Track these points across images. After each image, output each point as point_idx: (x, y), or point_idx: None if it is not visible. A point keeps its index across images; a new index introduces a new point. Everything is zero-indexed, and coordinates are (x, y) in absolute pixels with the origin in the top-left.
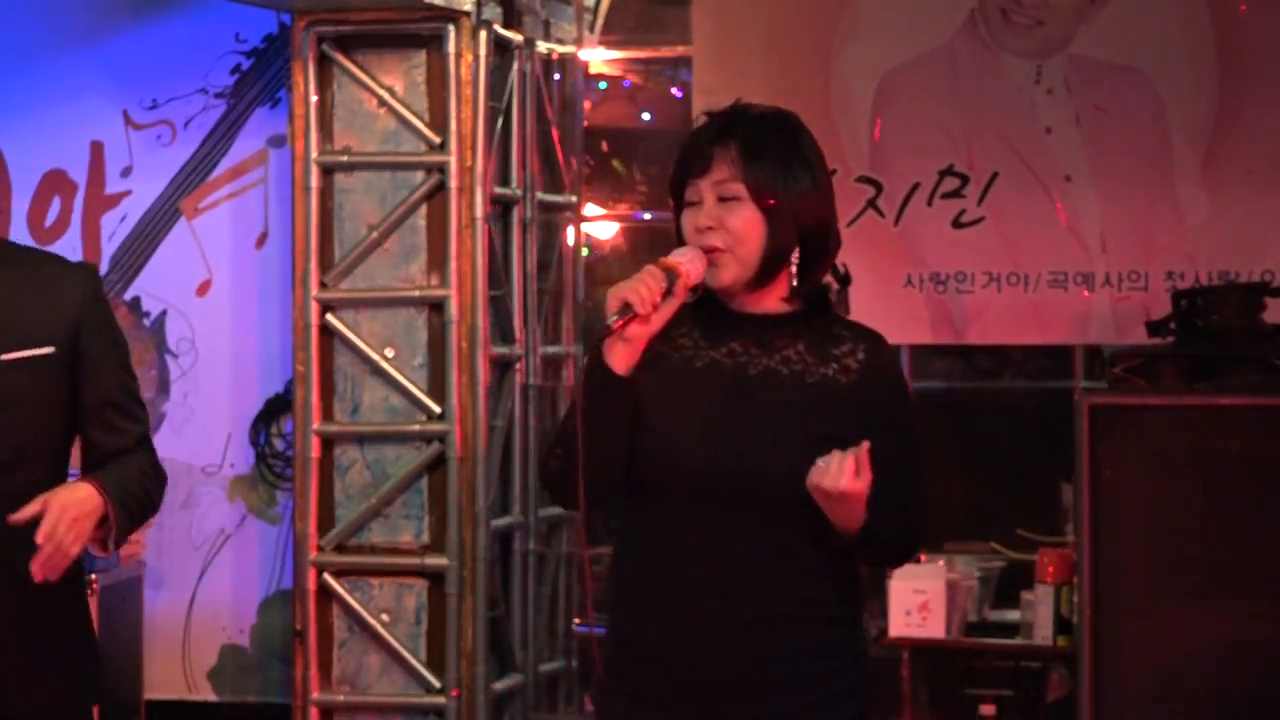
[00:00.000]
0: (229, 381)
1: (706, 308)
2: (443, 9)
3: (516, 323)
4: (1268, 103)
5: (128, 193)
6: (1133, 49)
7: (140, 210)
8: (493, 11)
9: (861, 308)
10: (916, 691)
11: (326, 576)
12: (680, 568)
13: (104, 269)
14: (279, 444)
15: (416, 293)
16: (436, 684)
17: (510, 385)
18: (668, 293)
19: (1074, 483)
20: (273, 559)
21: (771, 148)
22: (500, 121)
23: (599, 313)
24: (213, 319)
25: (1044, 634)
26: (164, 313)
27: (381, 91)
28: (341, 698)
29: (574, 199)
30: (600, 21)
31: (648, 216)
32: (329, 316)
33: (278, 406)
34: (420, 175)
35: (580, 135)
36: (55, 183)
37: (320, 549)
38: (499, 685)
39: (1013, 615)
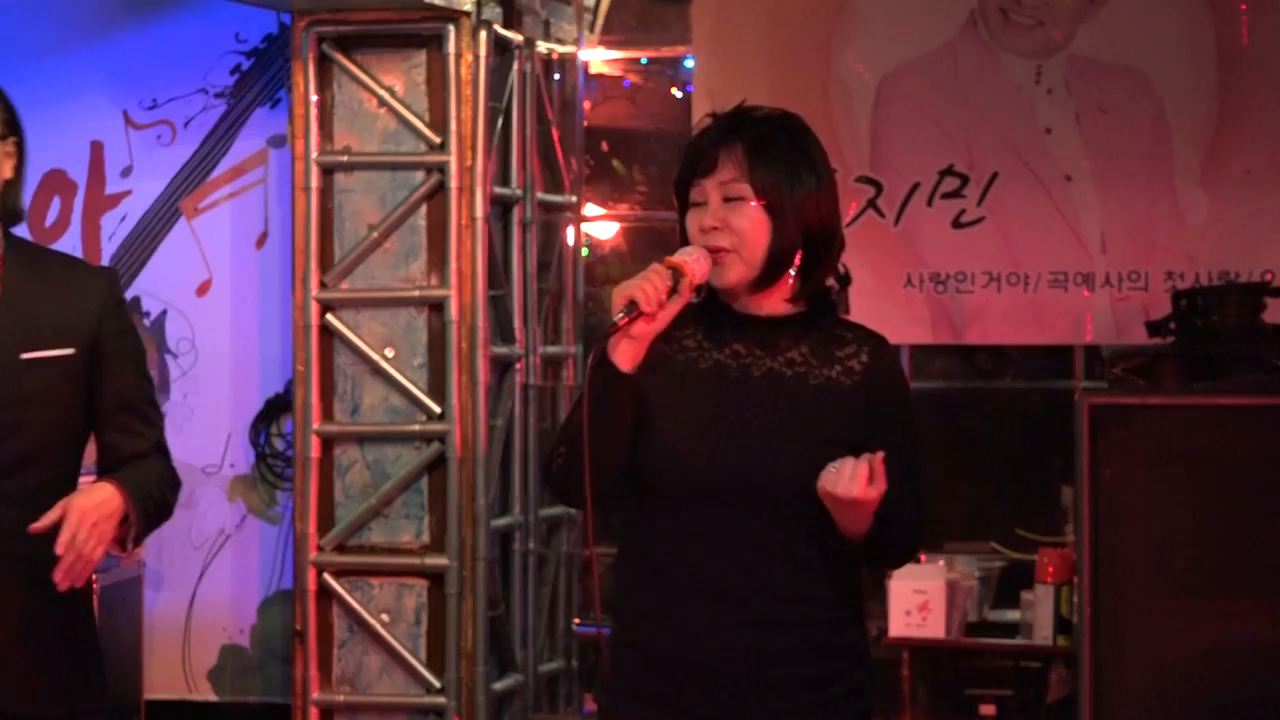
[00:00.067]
0: (229, 381)
1: (710, 309)
2: (443, 9)
3: (516, 323)
4: (1268, 103)
5: (128, 193)
6: (1133, 49)
7: (140, 210)
8: (493, 11)
9: (861, 308)
10: (916, 691)
11: (326, 576)
12: (683, 568)
13: None
14: (279, 444)
15: (416, 293)
16: (436, 684)
17: (510, 385)
18: (673, 291)
19: (1074, 482)
20: (273, 559)
21: (777, 149)
22: (500, 121)
23: (599, 313)
24: (213, 319)
25: (1044, 634)
26: (164, 313)
27: (381, 91)
28: (341, 698)
29: (574, 199)
30: (600, 21)
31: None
32: (329, 316)
33: (278, 406)
34: (420, 175)
35: (580, 135)
36: (55, 183)
37: (320, 549)
38: (499, 685)
39: (1013, 615)
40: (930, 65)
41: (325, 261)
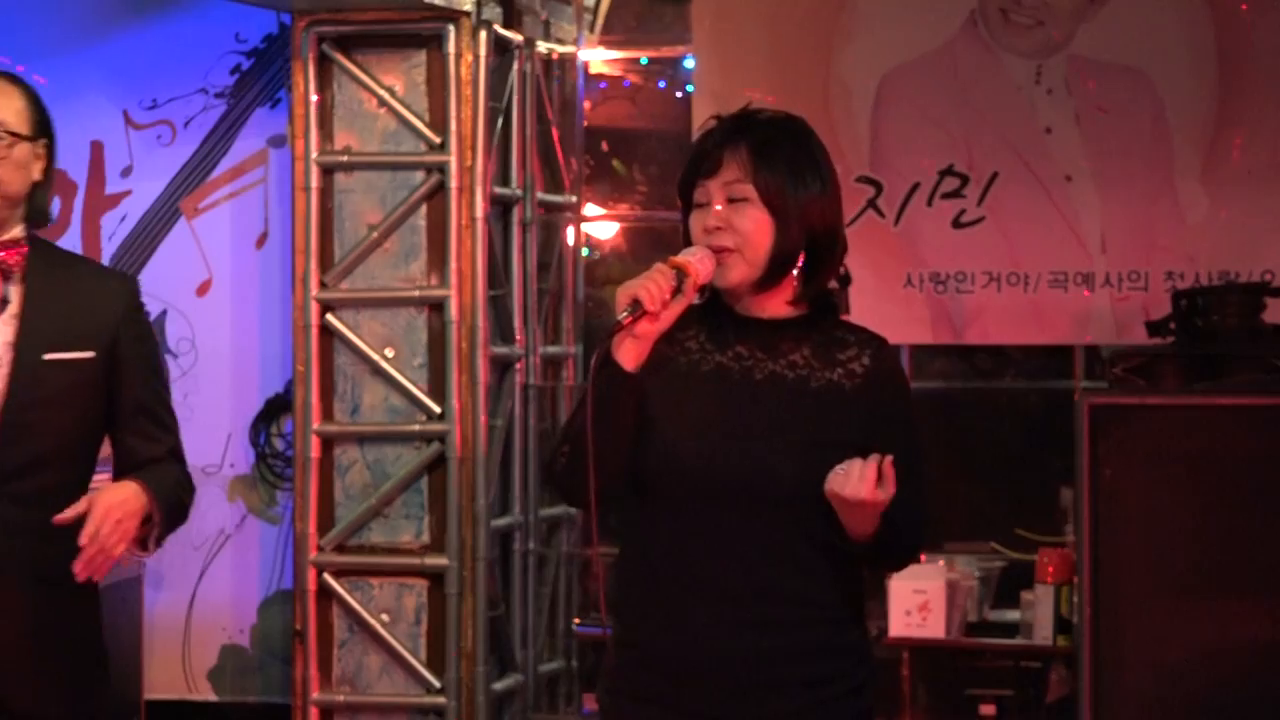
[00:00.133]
0: (229, 381)
1: (713, 311)
2: (443, 9)
3: (516, 323)
4: (1268, 103)
5: (128, 193)
6: (1133, 49)
7: (140, 210)
8: (493, 11)
9: (862, 308)
10: (916, 691)
11: (326, 576)
12: (684, 569)
13: None
14: (279, 444)
15: (416, 293)
16: (436, 684)
17: (510, 385)
18: (677, 291)
19: (1074, 482)
20: (273, 559)
21: (782, 151)
22: (500, 121)
23: (599, 313)
24: (213, 319)
25: (1044, 634)
26: (164, 313)
27: (381, 91)
28: (341, 698)
29: (574, 199)
30: (600, 21)
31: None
32: (329, 316)
33: (278, 406)
34: (420, 175)
35: (580, 135)
36: (55, 182)
37: (320, 549)
38: (499, 685)
39: (1013, 615)
40: (930, 65)
41: (325, 261)
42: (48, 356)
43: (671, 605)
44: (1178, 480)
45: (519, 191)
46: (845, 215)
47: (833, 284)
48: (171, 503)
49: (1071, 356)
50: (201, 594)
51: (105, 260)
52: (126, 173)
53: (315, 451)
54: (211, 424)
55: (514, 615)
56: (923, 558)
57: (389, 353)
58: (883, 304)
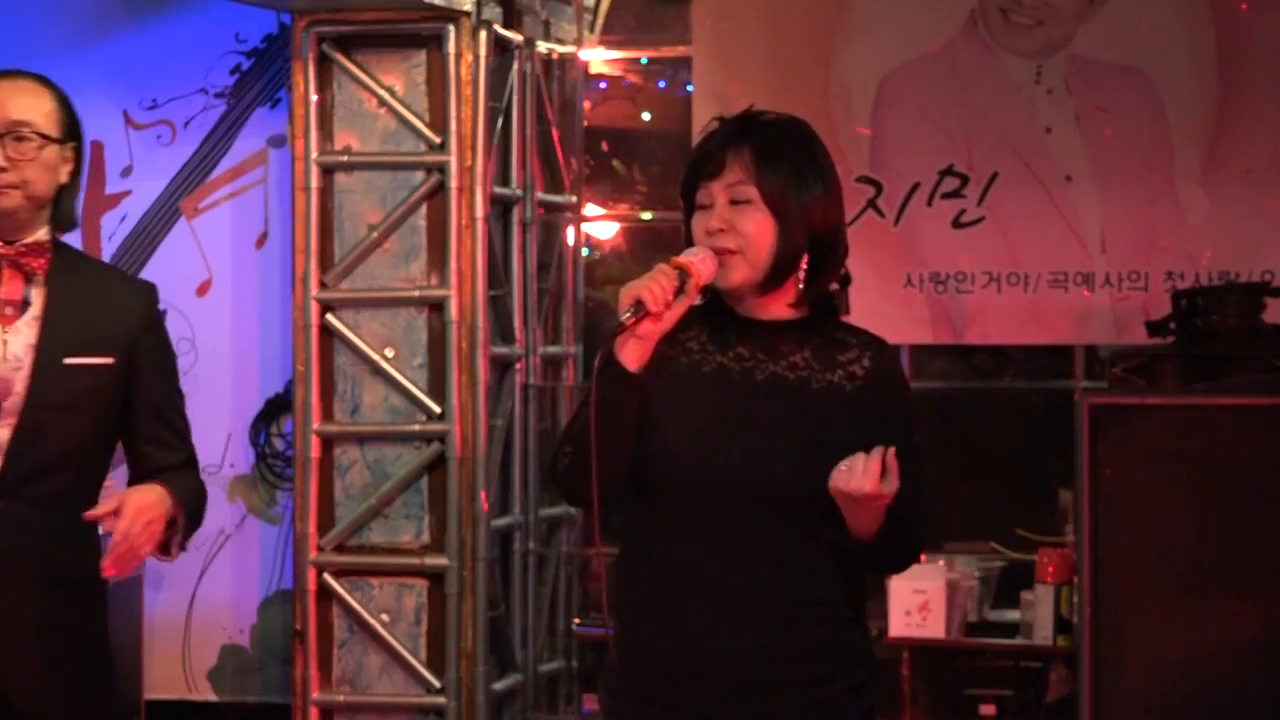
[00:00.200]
0: (229, 381)
1: (714, 312)
2: (443, 9)
3: (516, 323)
4: (1268, 103)
5: (128, 193)
6: (1133, 49)
7: (140, 210)
8: (493, 11)
9: (861, 308)
10: (916, 691)
11: (326, 576)
12: (684, 569)
13: None
14: (279, 444)
15: (416, 293)
16: (436, 684)
17: (510, 385)
18: (679, 291)
19: (1074, 482)
20: (273, 559)
21: (785, 153)
22: (500, 121)
23: (599, 313)
24: (213, 319)
25: (1044, 634)
26: (164, 313)
27: (381, 91)
28: (341, 698)
29: (574, 199)
30: (600, 21)
31: (648, 216)
32: (329, 316)
33: (278, 406)
34: (420, 175)
35: (580, 135)
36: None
37: (320, 549)
38: (499, 685)
39: (1013, 615)
40: (930, 65)
41: (325, 261)
42: (68, 361)
43: (672, 605)
44: (1178, 480)
45: (519, 191)
46: (845, 216)
47: (833, 285)
48: (191, 509)
49: (1071, 356)
50: (201, 594)
51: (105, 260)
52: (126, 173)
53: (315, 451)
54: (211, 424)
55: (514, 615)
56: (923, 558)
57: (389, 353)
58: (883, 304)
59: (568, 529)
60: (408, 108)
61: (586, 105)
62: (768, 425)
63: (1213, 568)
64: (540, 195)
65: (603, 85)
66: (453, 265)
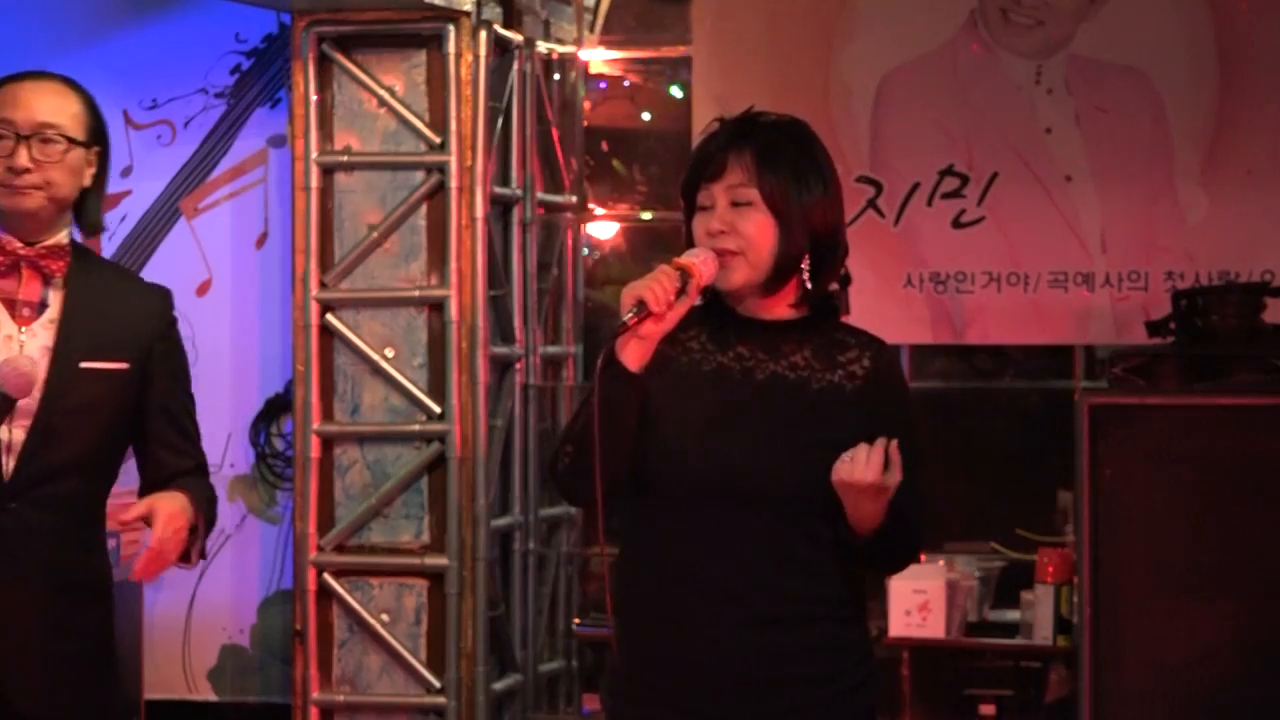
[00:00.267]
0: (229, 381)
1: (715, 312)
2: (443, 9)
3: (516, 323)
4: (1268, 103)
5: (128, 193)
6: (1133, 49)
7: (140, 210)
8: (493, 11)
9: (861, 308)
10: (916, 691)
11: (326, 576)
12: (685, 568)
13: None
14: (279, 444)
15: (416, 293)
16: (436, 684)
17: (510, 385)
18: (681, 292)
19: (1074, 482)
20: (273, 559)
21: (786, 155)
22: (500, 121)
23: (599, 313)
24: (213, 319)
25: (1044, 634)
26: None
27: (381, 91)
28: (341, 698)
29: (574, 199)
30: (600, 21)
31: (648, 216)
32: (329, 316)
33: (278, 406)
34: (420, 175)
35: (580, 135)
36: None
37: (320, 549)
38: (499, 685)
39: (1013, 615)
40: (930, 65)
41: (325, 261)
42: (84, 365)
43: (673, 604)
44: (1178, 480)
45: (519, 191)
46: (845, 215)
47: (833, 285)
48: (209, 516)
49: (1071, 356)
50: (201, 594)
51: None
52: (126, 173)
53: (315, 451)
54: (211, 424)
55: (514, 615)
56: (923, 558)
57: (389, 353)
58: (883, 304)
59: (568, 529)
60: (408, 108)
61: (586, 105)
62: (768, 424)
63: (1213, 567)
64: (540, 195)
65: (603, 85)
66: (453, 265)
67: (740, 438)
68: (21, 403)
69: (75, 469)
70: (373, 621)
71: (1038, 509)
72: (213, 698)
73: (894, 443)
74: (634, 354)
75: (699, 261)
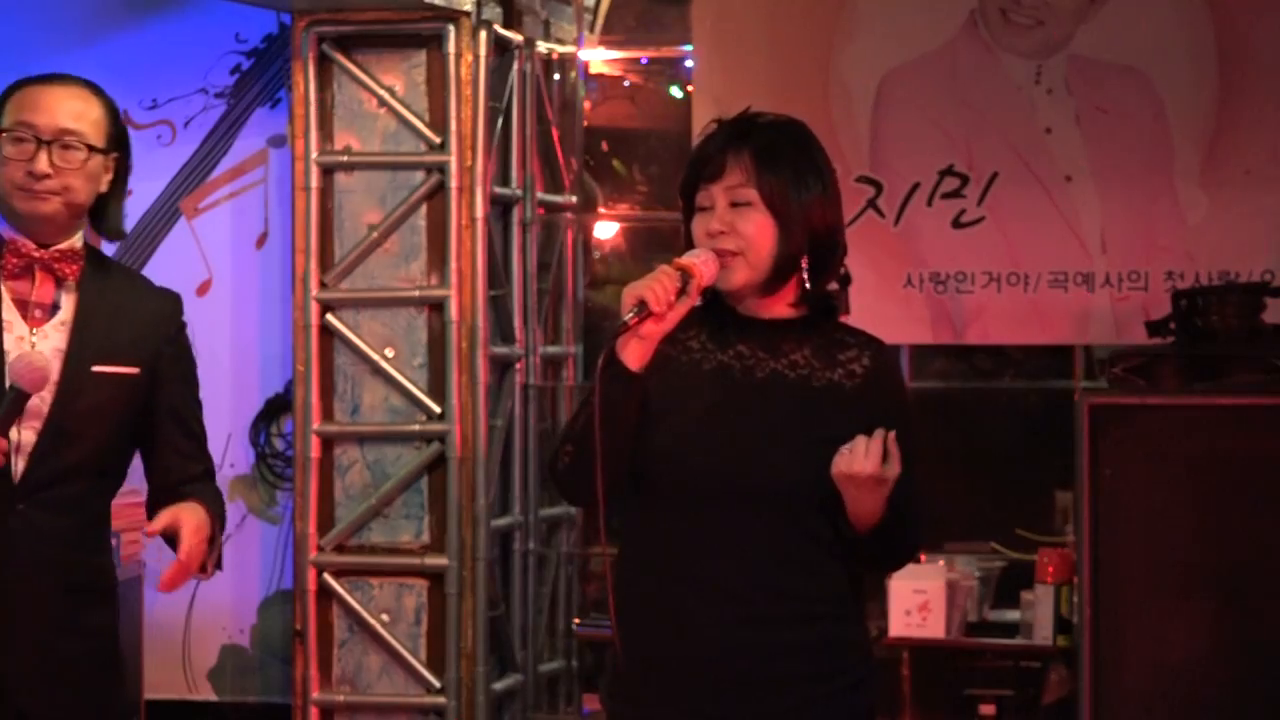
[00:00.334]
0: (229, 381)
1: (714, 311)
2: (443, 9)
3: (516, 323)
4: (1268, 103)
5: (128, 193)
6: (1133, 49)
7: (140, 210)
8: (493, 11)
9: (861, 308)
10: (916, 691)
11: (326, 576)
12: (684, 567)
13: None
14: (279, 444)
15: (416, 293)
16: (436, 684)
17: (510, 385)
18: (682, 292)
19: (1071, 484)
20: (273, 559)
21: (784, 155)
22: (500, 121)
23: (598, 313)
24: (213, 319)
25: (1044, 634)
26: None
27: (381, 91)
28: (341, 698)
29: (574, 199)
30: (600, 21)
31: (648, 216)
32: (329, 316)
33: (278, 406)
34: (420, 175)
35: (580, 135)
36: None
37: (320, 549)
38: (499, 685)
39: (1013, 615)
40: (930, 65)
41: (325, 261)
42: (96, 368)
43: (672, 603)
44: (1178, 480)
45: (519, 191)
46: (845, 215)
47: (833, 284)
48: (222, 526)
49: (1071, 356)
50: (201, 594)
51: None
52: None
53: (315, 451)
54: (211, 424)
55: (514, 615)
56: (923, 558)
57: (389, 353)
58: (883, 304)
59: (568, 529)
60: (408, 108)
61: (586, 105)
62: (768, 422)
63: (1213, 567)
64: (540, 195)
65: (603, 85)
66: (453, 265)
67: (741, 435)
68: (33, 404)
69: (84, 471)
70: (373, 621)
71: (1038, 509)
72: (213, 698)
73: (892, 434)
74: (634, 354)
75: (699, 262)
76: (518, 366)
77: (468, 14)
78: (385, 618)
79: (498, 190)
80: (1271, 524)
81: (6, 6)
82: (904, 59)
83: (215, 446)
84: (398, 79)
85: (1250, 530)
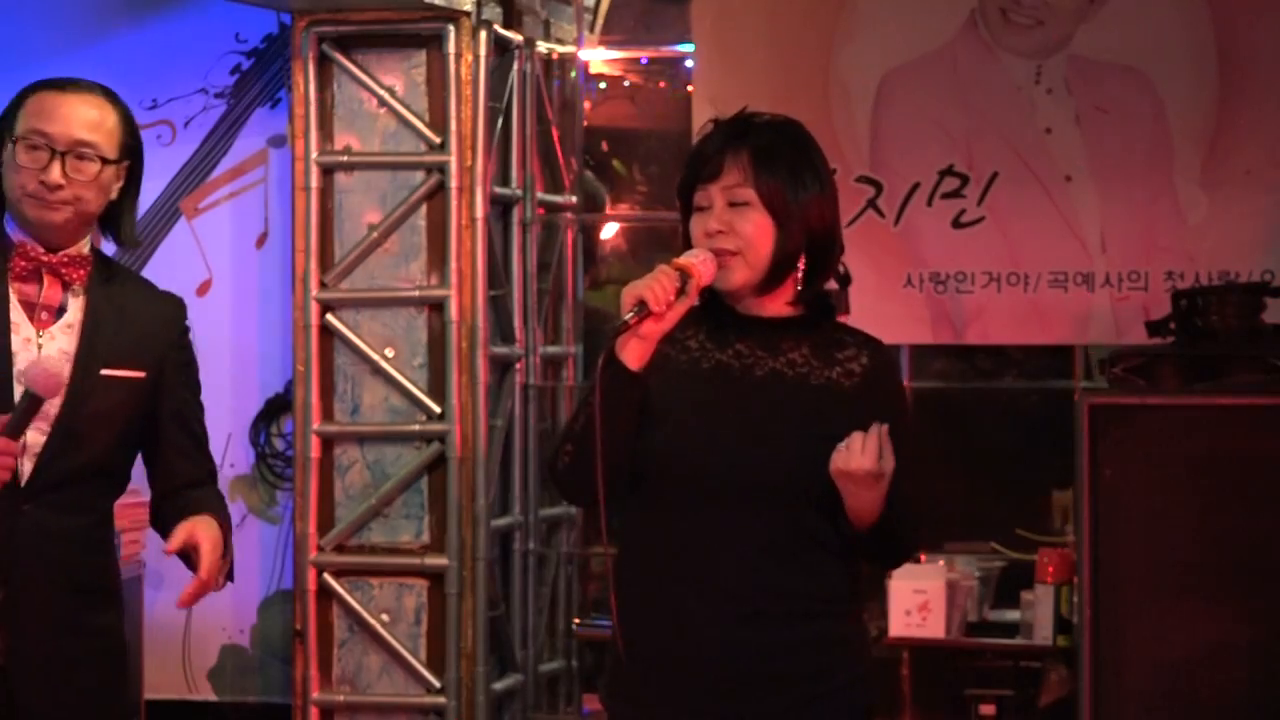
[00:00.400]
0: (229, 381)
1: (713, 310)
2: (443, 9)
3: (516, 323)
4: (1268, 103)
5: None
6: (1133, 49)
7: (140, 210)
8: (493, 11)
9: (861, 308)
10: (916, 691)
11: (326, 576)
12: (683, 565)
13: None
14: (279, 444)
15: (416, 293)
16: (436, 684)
17: (510, 385)
18: (681, 292)
19: (1074, 482)
20: (273, 559)
21: (782, 155)
22: (500, 121)
23: (598, 314)
24: (213, 319)
25: (1044, 634)
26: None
27: (381, 91)
28: (341, 698)
29: (574, 199)
30: (600, 21)
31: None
32: (329, 316)
33: (278, 406)
34: (420, 175)
35: (580, 135)
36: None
37: (320, 549)
38: (499, 685)
39: (1013, 615)
40: (930, 65)
41: (325, 261)
42: (105, 372)
43: (671, 601)
44: (1178, 480)
45: (519, 191)
46: (845, 215)
47: (833, 284)
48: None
49: (1071, 356)
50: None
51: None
52: None
53: (315, 451)
54: (211, 424)
55: (514, 615)
56: (923, 558)
57: (389, 353)
58: (883, 304)
59: (568, 529)
60: (408, 108)
61: (586, 105)
62: (768, 420)
63: (1213, 567)
64: (540, 195)
65: (603, 85)
66: (453, 265)
67: (740, 434)
68: (42, 406)
69: (91, 473)
70: (373, 621)
71: (1038, 509)
72: (213, 698)
73: (884, 427)
74: (634, 353)
75: (698, 262)
76: (518, 366)
77: (468, 14)
78: (385, 618)
79: (498, 190)
80: (1271, 524)
81: (6, 6)
82: (904, 59)
83: (215, 446)
84: (398, 79)
85: (1250, 530)
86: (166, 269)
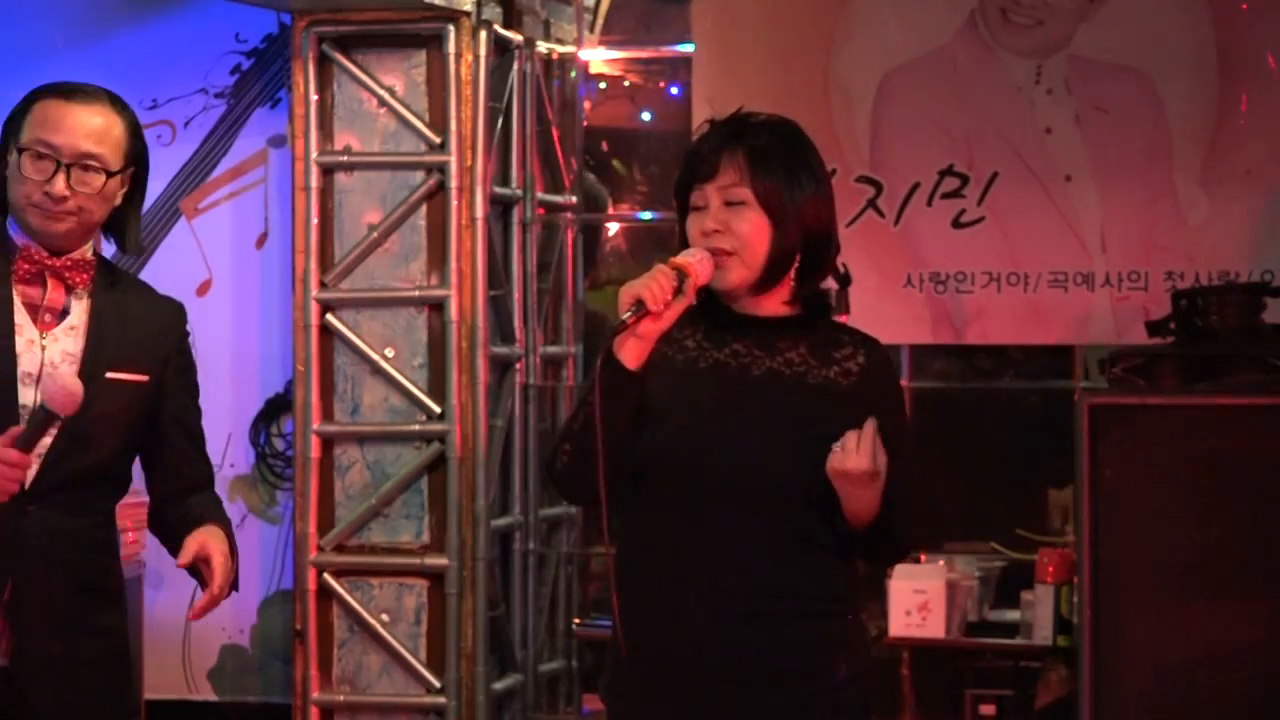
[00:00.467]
0: (229, 381)
1: (710, 310)
2: (443, 9)
3: (516, 323)
4: (1268, 103)
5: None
6: (1133, 49)
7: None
8: (493, 11)
9: (861, 308)
10: (916, 691)
11: (326, 576)
12: (681, 565)
13: None
14: (279, 444)
15: (416, 293)
16: (436, 684)
17: (510, 385)
18: (678, 291)
19: (1074, 482)
20: (273, 559)
21: (777, 155)
22: (500, 121)
23: (598, 314)
24: (213, 319)
25: (1044, 634)
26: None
27: (381, 91)
28: (341, 698)
29: (574, 199)
30: (600, 21)
31: (648, 216)
32: (329, 316)
33: (278, 406)
34: (420, 175)
35: (580, 135)
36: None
37: (320, 549)
38: (499, 685)
39: (1013, 615)
40: (930, 65)
41: (325, 261)
42: (110, 375)
43: (670, 601)
44: (1178, 480)
45: (519, 191)
46: (845, 215)
47: (832, 284)
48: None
49: (1071, 356)
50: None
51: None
52: None
53: (315, 451)
54: (211, 424)
55: (514, 615)
56: (923, 557)
57: (389, 353)
58: (883, 304)
59: (568, 529)
60: (408, 108)
61: (586, 105)
62: (765, 419)
63: (1213, 567)
64: (540, 195)
65: (603, 85)
66: (453, 265)
67: (737, 432)
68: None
69: (95, 476)
70: (373, 621)
71: (1038, 509)
72: (213, 698)
73: (873, 424)
74: (632, 352)
75: (695, 261)
76: (518, 366)
77: (468, 14)
78: (385, 618)
79: (498, 190)
80: (1271, 524)
81: (6, 6)
82: (904, 59)
83: (215, 446)
84: (398, 79)
85: (1250, 530)
86: (166, 269)
